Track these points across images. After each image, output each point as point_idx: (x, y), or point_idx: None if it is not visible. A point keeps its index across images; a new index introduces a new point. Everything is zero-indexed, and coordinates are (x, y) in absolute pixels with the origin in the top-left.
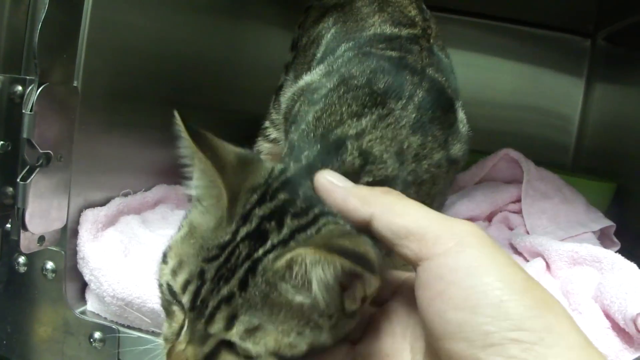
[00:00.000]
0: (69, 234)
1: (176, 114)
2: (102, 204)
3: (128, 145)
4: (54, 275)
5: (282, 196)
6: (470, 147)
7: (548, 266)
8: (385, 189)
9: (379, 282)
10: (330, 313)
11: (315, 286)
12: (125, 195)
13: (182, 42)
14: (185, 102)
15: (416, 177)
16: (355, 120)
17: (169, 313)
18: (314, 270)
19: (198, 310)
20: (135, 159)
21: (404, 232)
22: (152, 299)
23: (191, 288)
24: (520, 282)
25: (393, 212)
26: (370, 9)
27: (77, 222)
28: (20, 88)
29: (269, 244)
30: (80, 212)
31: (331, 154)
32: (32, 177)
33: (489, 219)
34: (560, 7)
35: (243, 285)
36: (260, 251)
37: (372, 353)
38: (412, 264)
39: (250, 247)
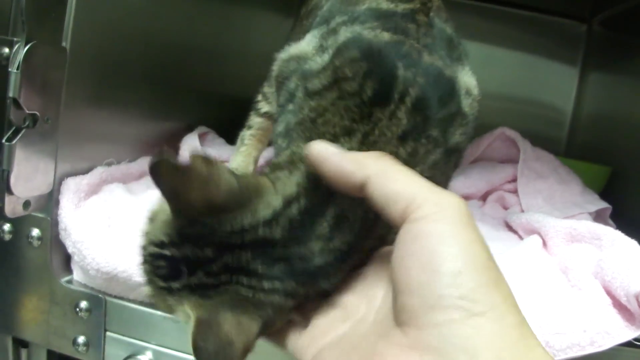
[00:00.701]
0: (54, 201)
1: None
2: (86, 171)
3: (113, 117)
4: (39, 242)
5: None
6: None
7: (544, 243)
8: (379, 153)
9: None
10: None
11: None
12: (109, 164)
13: (172, 19)
14: (172, 83)
15: None
16: (347, 138)
17: None
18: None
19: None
20: (121, 130)
21: (395, 196)
22: (138, 273)
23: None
24: (482, 261)
25: (387, 176)
26: None
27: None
28: (6, 50)
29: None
30: (63, 178)
31: (302, 230)
32: (17, 137)
33: (484, 198)
34: None
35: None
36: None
37: (332, 303)
38: (396, 227)
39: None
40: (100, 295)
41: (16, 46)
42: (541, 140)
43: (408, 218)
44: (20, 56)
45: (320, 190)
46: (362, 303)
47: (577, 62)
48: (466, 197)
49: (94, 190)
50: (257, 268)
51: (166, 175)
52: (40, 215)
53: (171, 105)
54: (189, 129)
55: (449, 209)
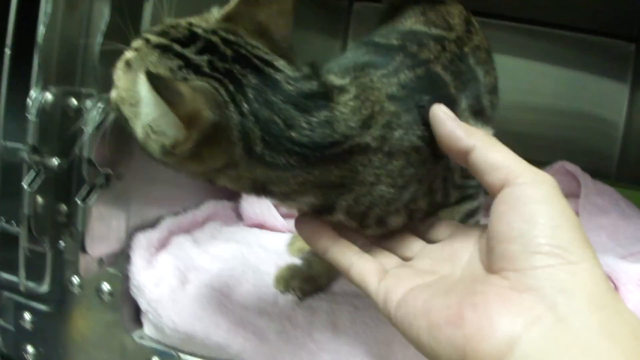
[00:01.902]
0: (125, 256)
1: None
2: (154, 223)
3: None
4: (110, 297)
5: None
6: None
7: (616, 288)
8: (485, 130)
9: (185, 133)
10: (144, 118)
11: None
12: (177, 214)
13: None
14: None
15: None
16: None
17: None
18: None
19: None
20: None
21: (497, 164)
22: (217, 332)
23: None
24: (575, 221)
25: (491, 147)
26: (414, 13)
27: (130, 246)
28: (75, 101)
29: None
30: (133, 233)
31: (307, 104)
32: (92, 197)
33: None
34: (603, 11)
35: (151, 45)
36: (177, 47)
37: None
38: (495, 191)
39: (181, 44)
40: (173, 352)
41: (85, 100)
42: (593, 153)
43: (509, 183)
44: (93, 115)
45: None
46: (445, 265)
47: (627, 79)
48: None
49: (163, 244)
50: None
51: None
52: (111, 270)
53: None
54: None
55: (545, 180)
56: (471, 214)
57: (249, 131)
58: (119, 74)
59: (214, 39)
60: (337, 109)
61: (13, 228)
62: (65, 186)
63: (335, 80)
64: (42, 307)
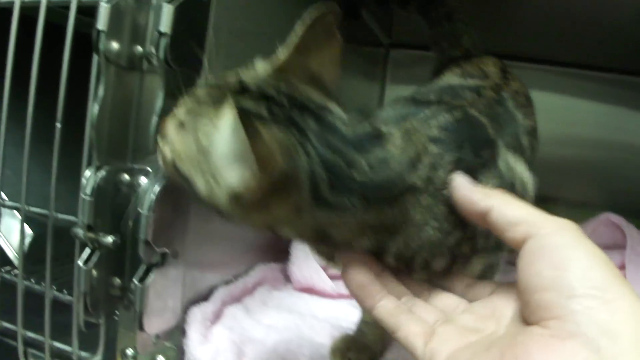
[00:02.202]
0: (180, 330)
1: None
2: (207, 294)
3: (228, 229)
4: None
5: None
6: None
7: None
8: (501, 190)
9: (260, 184)
10: (213, 171)
11: (218, 134)
12: (228, 283)
13: None
14: None
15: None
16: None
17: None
18: (227, 118)
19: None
20: (235, 241)
21: (516, 220)
22: None
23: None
24: (606, 261)
25: (508, 205)
26: (451, 70)
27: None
28: (127, 177)
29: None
30: (188, 306)
31: (363, 144)
32: (149, 277)
33: None
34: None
35: (203, 101)
36: (231, 97)
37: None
38: (518, 245)
39: (235, 91)
40: None
41: (143, 180)
42: (633, 191)
43: (531, 235)
44: (150, 197)
45: None
46: (489, 322)
47: None
48: None
49: (217, 315)
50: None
51: (313, 28)
52: (166, 344)
53: None
54: None
55: (569, 227)
56: (493, 266)
57: (316, 174)
58: (172, 135)
59: (268, 88)
60: (389, 148)
61: (65, 297)
62: (119, 260)
63: (382, 126)
64: None
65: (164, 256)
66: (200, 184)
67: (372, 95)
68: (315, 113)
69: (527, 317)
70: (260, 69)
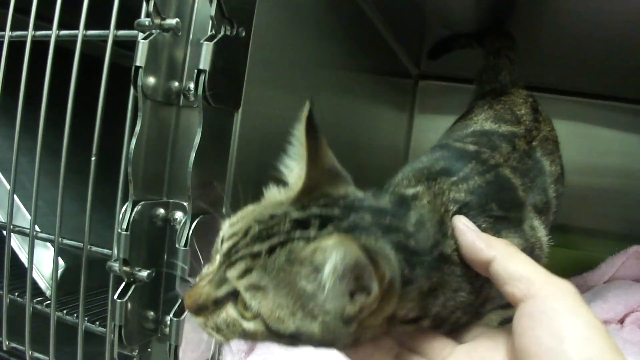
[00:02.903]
0: None
1: (309, 101)
2: None
3: None
4: None
5: (336, 212)
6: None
7: None
8: (506, 240)
9: (377, 298)
10: (328, 309)
11: (326, 271)
12: None
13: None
14: None
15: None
16: (412, 187)
17: (212, 259)
18: (331, 253)
19: (229, 256)
20: None
21: (518, 275)
22: None
23: (234, 238)
24: (603, 331)
25: (511, 258)
26: (481, 108)
27: (220, 351)
28: (162, 211)
29: (307, 233)
30: None
31: (399, 211)
32: (186, 312)
33: (621, 321)
34: None
35: (271, 250)
36: (298, 234)
37: None
38: (516, 301)
39: (293, 227)
40: None
41: (180, 215)
42: None
43: (532, 295)
44: (186, 231)
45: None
46: None
47: None
48: (605, 322)
49: (252, 347)
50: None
51: (312, 130)
52: None
53: None
54: None
55: (568, 291)
56: (508, 322)
57: (400, 262)
58: (250, 303)
59: (325, 209)
60: (419, 211)
61: (97, 328)
62: (153, 293)
63: (408, 190)
64: None
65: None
66: (314, 327)
67: (401, 125)
68: (355, 208)
69: None
70: (280, 196)
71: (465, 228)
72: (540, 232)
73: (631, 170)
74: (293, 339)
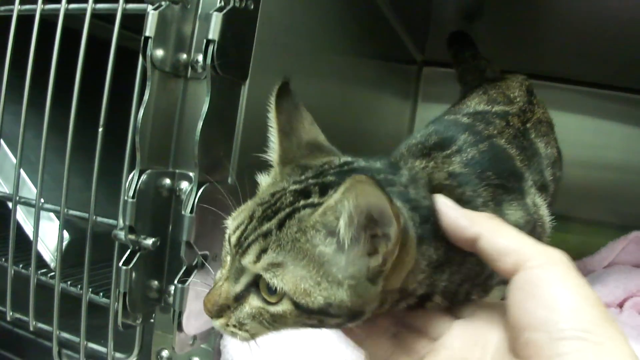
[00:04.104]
0: (216, 332)
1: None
2: None
3: None
4: None
5: (332, 177)
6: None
7: None
8: (489, 214)
9: (398, 240)
10: (351, 270)
11: (341, 225)
12: None
13: (321, 113)
14: None
15: None
16: (413, 160)
17: (223, 262)
18: (346, 200)
19: (240, 245)
20: None
21: (505, 249)
22: None
23: (241, 227)
24: (594, 299)
25: (497, 233)
26: (476, 93)
27: None
28: (168, 181)
29: (310, 200)
30: None
31: (392, 168)
32: (190, 279)
33: (620, 305)
34: None
35: (280, 225)
36: (302, 202)
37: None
38: (508, 275)
39: (295, 198)
40: None
41: (186, 185)
42: None
43: (521, 267)
44: (192, 199)
45: None
46: (475, 350)
47: None
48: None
49: None
50: None
51: (285, 105)
52: (203, 346)
53: None
54: None
55: (559, 260)
56: None
57: (413, 216)
58: (277, 280)
59: (310, 181)
60: (419, 172)
61: (100, 299)
62: (157, 263)
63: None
64: None
65: (204, 258)
66: (341, 293)
67: (405, 113)
68: (351, 169)
69: (516, 351)
70: (267, 180)
71: (445, 207)
72: (543, 210)
73: (632, 162)
74: (323, 314)
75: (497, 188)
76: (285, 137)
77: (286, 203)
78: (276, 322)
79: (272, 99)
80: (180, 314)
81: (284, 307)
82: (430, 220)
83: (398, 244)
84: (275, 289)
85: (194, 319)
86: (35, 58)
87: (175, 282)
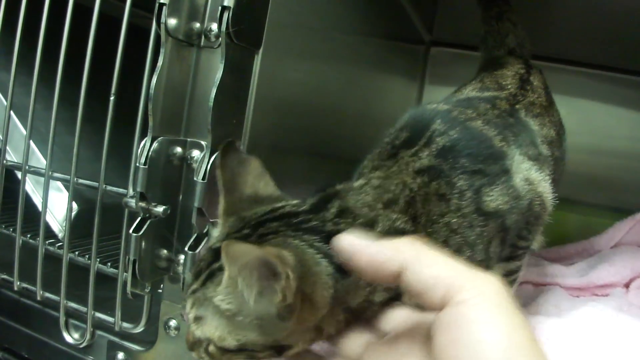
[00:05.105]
0: None
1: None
2: None
3: None
4: None
5: (246, 231)
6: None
7: None
8: (411, 238)
9: (295, 281)
10: (257, 314)
11: (239, 283)
12: None
13: (329, 93)
14: (322, 153)
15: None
16: (375, 172)
17: None
18: (230, 265)
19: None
20: None
21: (433, 281)
22: None
23: (190, 281)
24: (527, 344)
25: (422, 262)
26: (473, 82)
27: None
28: (179, 150)
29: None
30: None
31: (319, 206)
32: (201, 246)
33: (627, 285)
34: None
35: (203, 284)
36: (217, 264)
37: None
38: (437, 309)
39: (213, 259)
40: None
41: (197, 154)
42: None
43: (448, 303)
44: (205, 166)
45: None
46: None
47: None
48: (611, 285)
49: None
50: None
51: (229, 163)
52: None
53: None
54: None
55: (488, 293)
56: (513, 272)
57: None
58: (199, 332)
59: (236, 229)
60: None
61: (108, 269)
62: (166, 232)
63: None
64: (135, 347)
65: (215, 226)
66: (252, 335)
67: (411, 95)
68: (267, 219)
69: None
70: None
71: (355, 246)
72: (542, 186)
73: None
74: (246, 351)
75: (474, 174)
76: (228, 192)
77: (208, 262)
78: (223, 357)
79: (218, 159)
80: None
81: (212, 348)
82: None
83: (294, 280)
84: (199, 337)
85: None
86: (46, 31)
87: (186, 248)
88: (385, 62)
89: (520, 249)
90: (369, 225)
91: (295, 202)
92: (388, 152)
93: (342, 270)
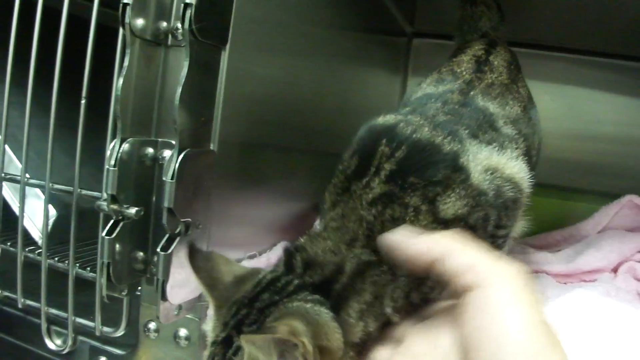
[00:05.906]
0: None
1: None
2: None
3: (255, 203)
4: (187, 342)
5: (244, 311)
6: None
7: None
8: (450, 232)
9: (311, 343)
10: None
11: None
12: (252, 257)
13: (304, 88)
14: (301, 148)
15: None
16: (332, 210)
17: None
18: (258, 353)
19: None
20: (261, 216)
21: (465, 268)
22: None
23: None
24: (540, 324)
25: (455, 252)
26: (434, 73)
27: None
28: (151, 150)
29: (232, 349)
30: None
31: (289, 265)
32: (173, 246)
33: (615, 270)
34: None
35: None
36: (229, 354)
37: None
38: (461, 292)
39: (223, 352)
40: None
41: (161, 150)
42: None
43: (476, 285)
44: (174, 165)
45: None
46: (430, 349)
47: None
48: (598, 271)
49: None
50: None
51: (200, 264)
52: (189, 316)
53: (297, 185)
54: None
55: (511, 278)
56: None
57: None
58: None
59: (230, 324)
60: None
61: (88, 274)
62: (141, 233)
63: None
64: (117, 351)
65: (187, 226)
66: None
67: (394, 87)
68: (255, 295)
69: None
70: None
71: (396, 241)
72: (509, 168)
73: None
74: None
75: (426, 187)
76: (212, 289)
77: (220, 355)
78: None
79: (190, 268)
80: (164, 283)
81: None
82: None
83: (310, 343)
84: None
85: (179, 288)
86: (16, 36)
87: (158, 249)
88: (366, 55)
89: (500, 237)
90: (339, 269)
91: (271, 269)
92: (342, 184)
93: (337, 311)
